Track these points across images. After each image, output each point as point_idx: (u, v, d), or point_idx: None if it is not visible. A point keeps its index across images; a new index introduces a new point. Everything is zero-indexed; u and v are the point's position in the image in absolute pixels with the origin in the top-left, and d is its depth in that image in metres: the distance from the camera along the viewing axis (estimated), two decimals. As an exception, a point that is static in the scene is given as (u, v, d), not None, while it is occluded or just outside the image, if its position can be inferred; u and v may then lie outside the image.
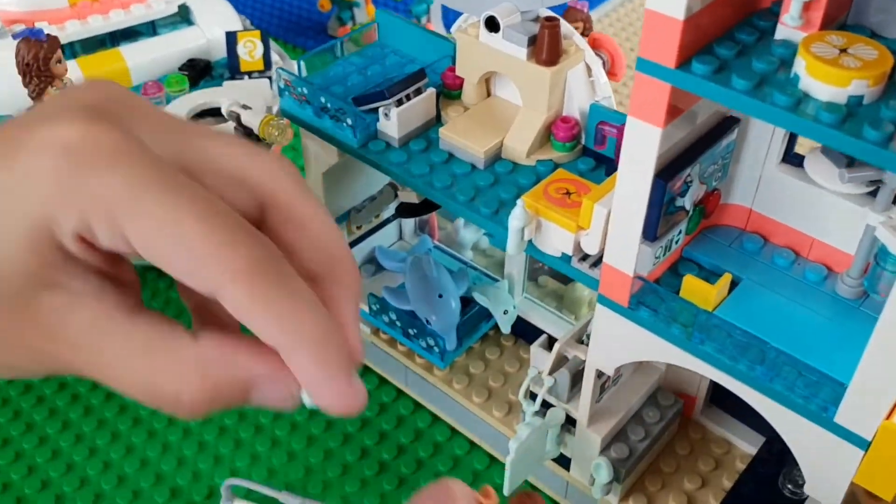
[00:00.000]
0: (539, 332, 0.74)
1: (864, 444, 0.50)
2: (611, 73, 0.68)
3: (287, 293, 0.32)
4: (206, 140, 0.35)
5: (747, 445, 0.71)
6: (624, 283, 0.55)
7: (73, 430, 0.80)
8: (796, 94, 0.42)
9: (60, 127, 0.31)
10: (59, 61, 0.77)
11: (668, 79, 0.45)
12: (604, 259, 0.55)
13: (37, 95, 0.78)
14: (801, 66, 0.43)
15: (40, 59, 0.75)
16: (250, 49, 0.91)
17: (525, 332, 0.80)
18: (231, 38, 0.90)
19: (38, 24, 0.86)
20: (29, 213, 0.31)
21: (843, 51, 0.43)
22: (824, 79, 0.42)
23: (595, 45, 0.67)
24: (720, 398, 0.73)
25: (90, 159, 0.31)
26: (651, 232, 0.52)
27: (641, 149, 0.48)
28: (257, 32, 0.91)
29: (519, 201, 0.56)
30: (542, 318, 0.79)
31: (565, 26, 0.64)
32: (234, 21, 0.99)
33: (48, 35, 0.76)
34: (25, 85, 0.77)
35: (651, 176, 0.49)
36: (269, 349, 0.32)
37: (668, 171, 0.51)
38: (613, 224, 0.53)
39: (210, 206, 0.31)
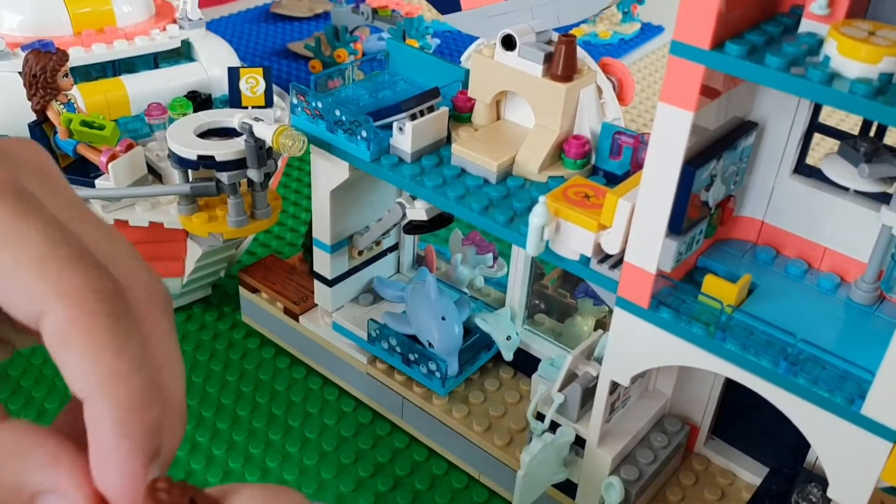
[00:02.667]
0: (538, 364, 0.73)
1: (893, 436, 0.49)
2: (619, 98, 0.69)
3: (120, 333, 0.25)
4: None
5: (752, 476, 0.70)
6: (645, 283, 0.55)
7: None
8: (828, 71, 0.44)
9: None
10: (66, 75, 0.77)
11: (702, 60, 0.46)
12: (625, 257, 0.55)
13: (40, 108, 0.77)
14: (831, 46, 0.45)
15: (48, 71, 0.75)
16: (252, 85, 0.91)
17: (524, 364, 0.80)
18: (234, 73, 0.91)
19: (42, 49, 0.86)
20: None
21: (872, 34, 0.45)
22: (856, 56, 0.43)
23: (606, 70, 0.69)
24: (723, 430, 0.73)
25: None
26: (677, 224, 0.53)
27: (672, 135, 0.49)
28: (260, 70, 0.92)
29: (541, 198, 0.57)
30: (544, 348, 0.78)
31: (578, 49, 0.66)
32: (235, 61, 1.00)
33: (57, 48, 0.76)
34: (30, 97, 0.77)
35: (681, 162, 0.50)
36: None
37: (696, 160, 0.52)
38: (638, 217, 0.53)
39: (57, 230, 0.26)
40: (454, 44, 1.65)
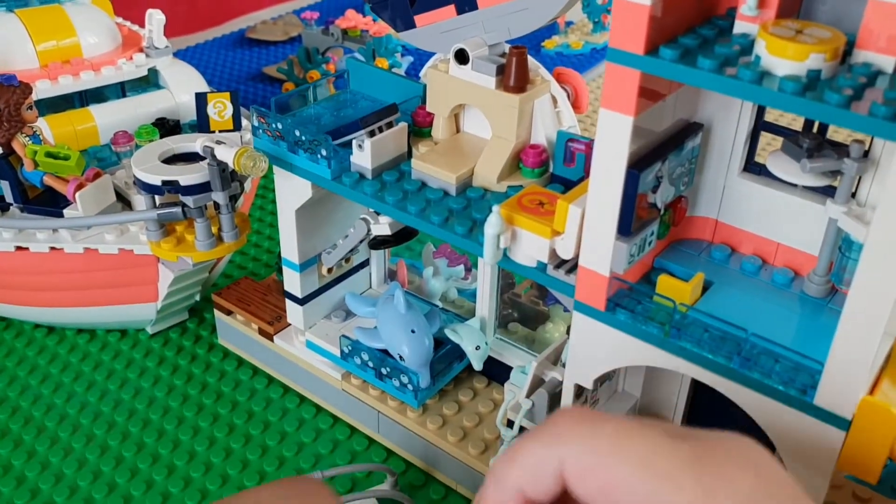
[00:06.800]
0: (510, 373, 0.74)
1: (845, 425, 0.50)
2: (575, 106, 0.71)
3: None
4: None
5: (725, 474, 0.71)
6: (600, 285, 0.56)
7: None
8: (759, 70, 0.45)
9: None
10: (31, 108, 0.78)
11: (637, 65, 0.48)
12: (579, 261, 0.56)
13: (5, 142, 0.78)
14: (761, 46, 0.46)
15: (12, 105, 0.76)
16: (220, 109, 0.92)
17: (497, 373, 0.80)
18: (201, 98, 0.92)
19: (8, 83, 0.87)
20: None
21: (799, 32, 0.46)
22: (784, 54, 0.45)
23: (560, 79, 0.70)
24: (693, 425, 0.73)
25: None
26: (626, 226, 0.54)
27: (614, 140, 0.50)
28: (227, 94, 0.93)
29: (494, 208, 0.58)
30: (515, 356, 0.79)
31: (531, 59, 0.68)
32: (203, 87, 1.01)
33: (21, 81, 0.77)
34: (-5, 131, 0.78)
35: (624, 166, 0.51)
36: None
37: (640, 163, 0.53)
38: (588, 222, 0.54)
39: None
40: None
